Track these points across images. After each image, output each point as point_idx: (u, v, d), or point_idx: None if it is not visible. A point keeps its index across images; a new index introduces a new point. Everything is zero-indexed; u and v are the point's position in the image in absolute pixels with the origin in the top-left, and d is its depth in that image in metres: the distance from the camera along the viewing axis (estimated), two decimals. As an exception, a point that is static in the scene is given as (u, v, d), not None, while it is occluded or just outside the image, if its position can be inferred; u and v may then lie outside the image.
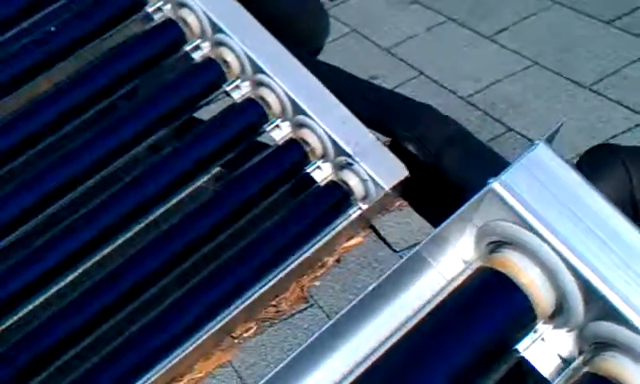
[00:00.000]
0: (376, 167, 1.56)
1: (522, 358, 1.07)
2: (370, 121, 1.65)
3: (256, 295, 1.45)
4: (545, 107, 1.76)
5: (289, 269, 1.49)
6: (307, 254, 1.51)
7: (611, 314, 1.00)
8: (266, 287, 1.46)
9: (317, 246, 1.52)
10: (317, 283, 1.53)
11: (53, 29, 1.53)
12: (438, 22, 2.15)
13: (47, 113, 1.53)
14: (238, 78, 1.62)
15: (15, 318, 1.42)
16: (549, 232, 1.04)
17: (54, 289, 1.45)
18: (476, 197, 1.08)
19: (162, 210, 1.54)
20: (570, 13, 2.02)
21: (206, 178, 1.62)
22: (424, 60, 2.03)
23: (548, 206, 1.04)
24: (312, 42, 2.14)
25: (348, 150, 1.57)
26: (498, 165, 1.52)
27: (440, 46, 2.07)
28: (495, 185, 1.07)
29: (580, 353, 1.07)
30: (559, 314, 1.07)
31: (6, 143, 1.50)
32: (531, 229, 1.04)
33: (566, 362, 1.08)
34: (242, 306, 1.44)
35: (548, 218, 1.03)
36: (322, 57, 2.15)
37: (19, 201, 1.46)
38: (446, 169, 1.54)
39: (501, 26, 2.05)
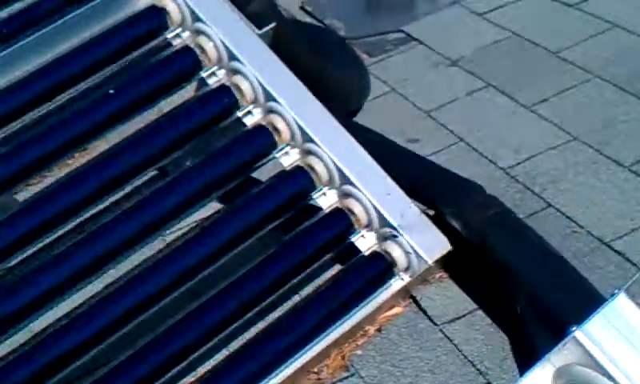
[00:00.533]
0: (420, 240, 1.59)
1: None
2: (413, 191, 1.68)
3: (299, 363, 1.49)
4: (585, 185, 1.79)
5: (332, 338, 1.52)
6: (350, 323, 1.54)
7: None
8: (309, 356, 1.49)
9: (359, 316, 1.55)
10: (358, 352, 1.56)
11: (112, 91, 1.57)
12: (477, 87, 2.18)
13: (96, 179, 1.56)
14: (287, 144, 1.66)
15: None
16: (626, 380, 1.11)
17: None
18: (561, 344, 1.17)
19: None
20: (609, 87, 2.05)
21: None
22: (464, 126, 2.05)
23: (626, 355, 1.10)
24: (353, 102, 2.17)
25: (393, 221, 1.60)
26: (540, 246, 1.58)
27: (480, 111, 2.10)
28: (578, 333, 1.16)
29: None
30: None
31: (60, 206, 1.53)
32: (609, 377, 1.12)
33: None
34: (286, 374, 1.47)
35: (625, 367, 1.10)
36: (361, 115, 2.18)
37: (69, 263, 1.49)
38: (488, 248, 1.57)
39: (540, 97, 2.07)
